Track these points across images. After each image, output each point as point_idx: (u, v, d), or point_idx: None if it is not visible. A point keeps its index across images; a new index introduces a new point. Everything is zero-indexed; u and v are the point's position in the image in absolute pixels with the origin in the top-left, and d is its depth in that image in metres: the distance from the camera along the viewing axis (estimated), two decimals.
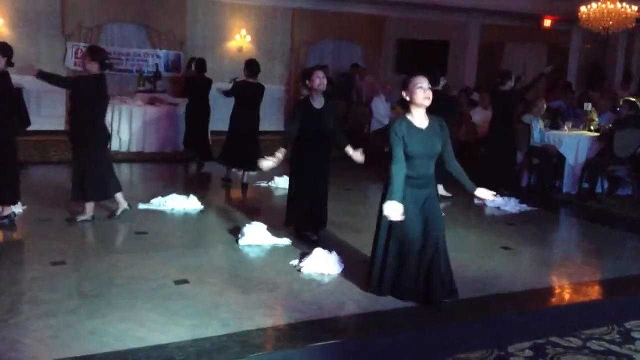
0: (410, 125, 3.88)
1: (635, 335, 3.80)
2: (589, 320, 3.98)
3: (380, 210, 3.95)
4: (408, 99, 3.90)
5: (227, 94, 7.77)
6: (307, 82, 5.16)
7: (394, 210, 3.72)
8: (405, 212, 3.78)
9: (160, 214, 6.11)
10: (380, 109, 10.74)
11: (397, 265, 3.98)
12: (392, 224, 3.89)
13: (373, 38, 13.65)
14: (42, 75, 5.29)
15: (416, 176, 3.89)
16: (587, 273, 5.04)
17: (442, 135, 3.93)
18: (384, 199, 3.93)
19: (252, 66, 7.57)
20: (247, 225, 5.31)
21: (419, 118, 3.92)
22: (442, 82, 7.36)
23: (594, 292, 4.69)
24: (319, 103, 5.19)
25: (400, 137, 3.83)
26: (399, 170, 3.82)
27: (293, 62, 13.17)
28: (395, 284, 4.00)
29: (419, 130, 3.88)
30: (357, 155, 5.14)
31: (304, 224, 5.38)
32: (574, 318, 4.07)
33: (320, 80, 5.12)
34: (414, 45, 13.27)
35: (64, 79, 5.92)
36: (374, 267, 4.09)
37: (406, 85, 3.89)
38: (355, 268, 4.61)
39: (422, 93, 3.83)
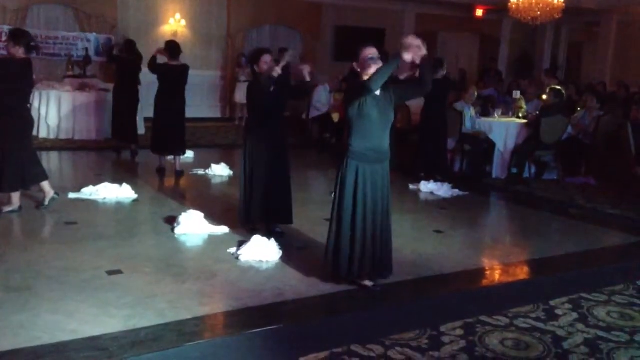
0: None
1: (558, 312, 4.00)
2: (516, 299, 4.15)
3: (340, 192, 3.93)
4: (359, 70, 3.94)
5: (152, 66, 7.19)
6: (255, 66, 4.95)
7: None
8: (357, 190, 3.83)
9: (91, 203, 5.93)
10: (322, 96, 10.66)
11: (355, 245, 3.93)
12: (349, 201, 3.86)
13: (311, 24, 13.63)
14: None
15: (372, 147, 3.88)
16: (515, 254, 5.25)
17: (393, 102, 3.94)
18: (338, 180, 3.94)
19: (170, 48, 7.20)
20: (183, 213, 5.22)
21: None
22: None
23: (521, 272, 4.89)
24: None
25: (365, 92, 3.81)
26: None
27: (229, 47, 13.00)
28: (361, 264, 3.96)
29: (374, 96, 3.87)
30: (306, 68, 4.87)
31: (258, 216, 5.08)
32: (502, 297, 4.24)
33: (267, 66, 4.84)
34: (351, 32, 13.35)
35: None
36: (341, 251, 3.93)
37: (357, 57, 3.93)
38: (293, 254, 4.65)
39: (373, 64, 3.88)
